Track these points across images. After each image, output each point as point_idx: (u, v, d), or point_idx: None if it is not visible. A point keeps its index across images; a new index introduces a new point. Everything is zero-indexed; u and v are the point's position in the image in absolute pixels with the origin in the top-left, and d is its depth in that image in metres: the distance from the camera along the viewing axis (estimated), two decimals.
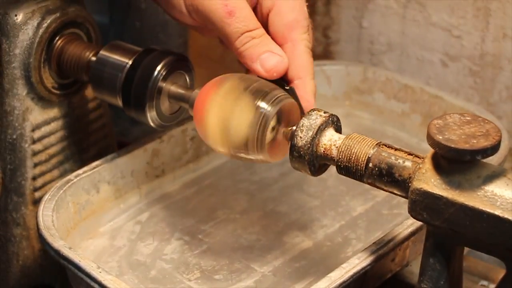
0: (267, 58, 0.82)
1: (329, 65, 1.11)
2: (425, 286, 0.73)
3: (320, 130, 0.78)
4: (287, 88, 0.83)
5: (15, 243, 0.95)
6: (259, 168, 1.02)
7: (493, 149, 0.68)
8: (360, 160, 0.76)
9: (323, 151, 0.78)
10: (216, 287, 0.87)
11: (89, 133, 0.99)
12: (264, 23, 0.85)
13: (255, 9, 0.85)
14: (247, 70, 0.88)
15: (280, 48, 0.83)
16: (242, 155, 0.81)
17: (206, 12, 0.82)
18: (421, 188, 0.70)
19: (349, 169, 0.77)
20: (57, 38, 0.92)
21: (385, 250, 0.80)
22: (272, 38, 0.84)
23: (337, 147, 0.78)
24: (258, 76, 0.83)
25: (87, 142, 0.99)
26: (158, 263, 0.90)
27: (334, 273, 0.77)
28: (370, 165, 0.75)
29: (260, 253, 0.91)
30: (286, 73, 0.83)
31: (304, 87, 0.83)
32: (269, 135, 0.80)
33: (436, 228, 0.71)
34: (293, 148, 0.79)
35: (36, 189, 0.94)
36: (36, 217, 0.85)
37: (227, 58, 1.30)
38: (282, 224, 0.95)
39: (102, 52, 0.90)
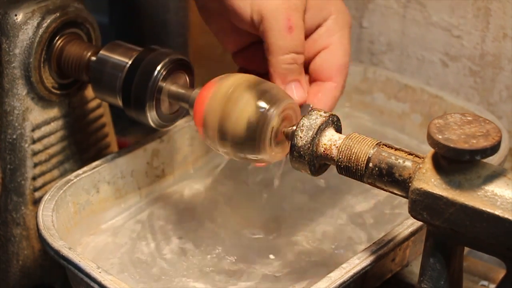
0: (295, 88, 0.84)
1: None
2: (425, 286, 0.73)
3: (320, 130, 0.78)
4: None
5: (15, 243, 0.95)
6: (259, 168, 1.02)
7: (493, 149, 0.68)
8: (360, 160, 0.76)
9: (323, 151, 0.78)
10: (216, 287, 0.87)
11: (89, 133, 0.99)
12: (310, 57, 0.86)
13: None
14: (240, 69, 0.89)
15: (308, 84, 0.85)
16: (242, 155, 0.81)
17: (268, 24, 0.82)
18: (421, 188, 0.70)
19: (349, 169, 0.77)
20: (57, 38, 0.92)
21: (385, 250, 0.80)
22: (318, 73, 0.86)
23: (337, 147, 0.78)
24: (258, 75, 0.83)
25: (87, 142, 0.99)
26: (159, 262, 0.90)
27: (334, 273, 0.77)
28: (370, 165, 0.75)
29: (260, 253, 0.91)
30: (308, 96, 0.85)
31: (330, 94, 0.86)
32: (269, 135, 0.80)
33: (436, 228, 0.71)
34: (293, 148, 0.79)
35: (36, 189, 0.94)
36: (36, 217, 0.85)
37: (227, 58, 1.29)
38: (282, 224, 0.95)
39: (102, 52, 0.90)
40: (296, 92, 0.84)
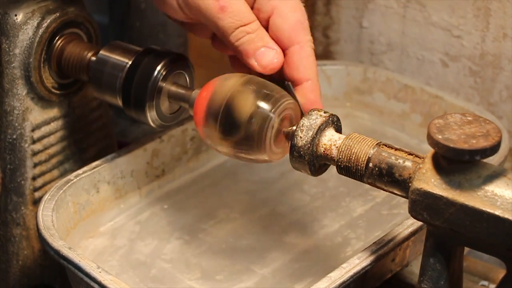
0: (263, 53, 0.81)
1: (329, 65, 1.11)
2: (425, 286, 0.73)
3: (320, 130, 0.78)
4: (285, 83, 0.83)
5: (15, 243, 0.95)
6: (259, 168, 1.02)
7: (493, 149, 0.68)
8: (360, 160, 0.76)
9: (323, 151, 0.78)
10: (216, 287, 0.87)
11: (89, 133, 0.99)
12: (264, 27, 0.84)
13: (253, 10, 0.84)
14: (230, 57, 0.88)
15: (275, 43, 0.82)
16: (242, 155, 0.81)
17: (198, 8, 0.82)
18: (421, 188, 0.70)
19: (349, 169, 0.77)
20: (57, 38, 0.92)
21: (385, 250, 0.80)
22: (277, 42, 0.83)
23: (337, 147, 0.78)
24: (258, 75, 0.83)
25: (87, 142, 0.99)
26: (158, 263, 0.90)
27: (334, 273, 0.77)
28: (370, 165, 0.75)
29: (260, 253, 0.91)
30: (290, 72, 0.83)
31: (314, 89, 0.83)
32: (269, 135, 0.80)
33: (436, 228, 0.71)
34: (293, 148, 0.79)
35: (36, 189, 0.94)
36: (36, 217, 0.85)
37: (227, 58, 1.30)
38: (282, 224, 0.95)
39: (102, 52, 0.90)
40: (263, 58, 0.81)
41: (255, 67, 0.81)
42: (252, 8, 0.83)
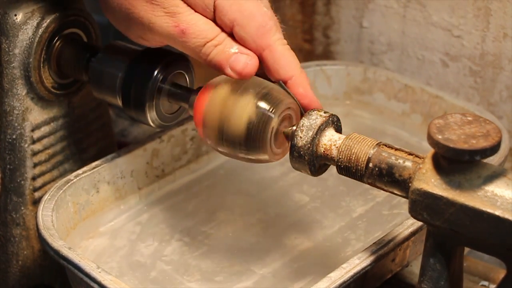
0: (235, 60, 0.81)
1: (329, 65, 1.11)
2: (425, 286, 0.73)
3: (320, 130, 0.78)
4: (278, 83, 0.83)
5: (15, 243, 0.95)
6: (259, 168, 1.02)
7: (493, 149, 0.68)
8: (360, 160, 0.76)
9: (323, 151, 0.78)
10: None
11: (89, 133, 0.99)
12: (232, 38, 0.83)
13: (215, 23, 0.83)
14: None
15: (246, 48, 0.82)
16: (242, 155, 0.81)
17: (160, 35, 0.82)
18: (421, 188, 0.70)
19: (349, 169, 0.77)
20: (56, 38, 0.92)
21: (385, 250, 0.80)
22: (248, 47, 0.83)
23: (337, 147, 0.78)
24: (259, 75, 0.83)
25: (87, 142, 0.99)
26: (158, 264, 0.90)
27: (334, 273, 0.77)
28: (370, 165, 0.75)
29: (260, 254, 0.91)
30: (273, 76, 0.83)
31: (300, 84, 0.83)
32: (269, 135, 0.80)
33: (436, 228, 0.71)
34: (293, 148, 0.79)
35: (35, 189, 0.94)
36: (36, 217, 0.85)
37: None
38: (282, 225, 0.95)
39: (102, 52, 0.90)
40: (237, 64, 0.81)
41: (232, 75, 0.81)
42: (214, 18, 0.83)
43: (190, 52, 0.82)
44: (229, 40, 0.82)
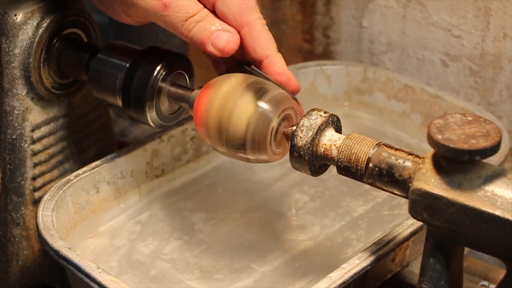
0: (217, 37, 0.82)
1: (329, 65, 1.11)
2: (425, 286, 0.73)
3: (320, 130, 0.78)
4: (248, 68, 0.83)
5: (15, 243, 0.95)
6: (259, 168, 1.02)
7: (492, 150, 0.68)
8: (360, 160, 0.76)
9: (323, 151, 0.78)
10: (216, 287, 0.87)
11: (89, 133, 0.99)
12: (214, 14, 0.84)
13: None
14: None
15: (228, 25, 0.83)
16: (242, 155, 0.81)
17: (142, 10, 0.82)
18: (421, 188, 0.70)
19: (349, 169, 0.77)
20: (56, 38, 0.92)
21: (385, 250, 0.80)
22: (229, 24, 0.84)
23: (337, 147, 0.78)
24: (261, 76, 0.83)
25: (87, 142, 0.99)
26: (158, 263, 0.90)
27: (335, 273, 0.77)
28: (370, 165, 0.75)
29: (260, 253, 0.91)
30: (249, 54, 0.83)
31: (276, 63, 0.84)
32: (269, 135, 0.80)
33: (436, 228, 0.71)
34: (293, 148, 0.79)
35: (35, 189, 0.94)
36: (36, 217, 0.85)
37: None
38: (282, 224, 0.95)
39: (102, 52, 0.90)
40: (219, 41, 0.82)
41: (213, 52, 0.82)
42: None
43: (172, 28, 0.82)
44: (211, 16, 0.83)
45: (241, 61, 0.86)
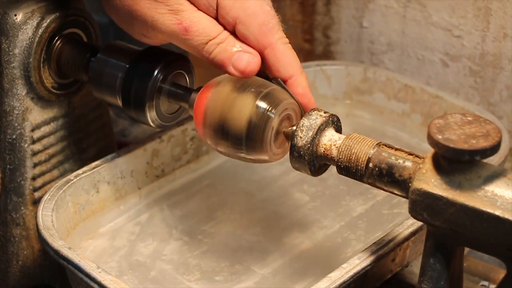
0: (238, 58, 0.81)
1: (329, 65, 1.11)
2: (425, 286, 0.73)
3: (320, 130, 0.78)
4: (274, 81, 0.83)
5: (15, 243, 0.95)
6: (259, 168, 1.02)
7: (493, 150, 0.68)
8: (360, 160, 0.76)
9: (323, 151, 0.78)
10: None
11: (89, 133, 0.99)
12: (234, 36, 0.84)
13: (218, 21, 0.84)
14: None
15: (248, 46, 0.83)
16: (242, 155, 0.81)
17: (163, 34, 0.82)
18: (421, 188, 0.70)
19: (349, 169, 0.77)
20: (56, 38, 0.92)
21: (385, 250, 0.80)
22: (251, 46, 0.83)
23: (337, 147, 0.78)
24: (259, 74, 0.83)
25: (86, 142, 0.99)
26: (158, 264, 0.90)
27: (335, 273, 0.77)
28: (370, 165, 0.75)
29: (260, 254, 0.91)
30: (273, 74, 0.83)
31: (299, 84, 0.83)
32: (269, 135, 0.80)
33: (437, 228, 0.71)
34: (293, 148, 0.79)
35: (35, 189, 0.94)
36: (36, 217, 0.85)
37: None
38: (282, 225, 0.95)
39: (102, 52, 0.90)
40: (240, 62, 0.81)
41: (234, 74, 0.81)
42: (217, 15, 0.83)
43: (193, 50, 0.82)
44: (231, 38, 0.82)
45: (266, 77, 0.85)
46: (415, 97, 1.06)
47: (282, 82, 0.83)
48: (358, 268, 0.78)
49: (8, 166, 0.93)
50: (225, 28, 0.83)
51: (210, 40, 0.81)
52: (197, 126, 0.83)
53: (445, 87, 1.14)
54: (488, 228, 0.68)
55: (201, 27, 0.82)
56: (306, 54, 1.26)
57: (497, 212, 0.67)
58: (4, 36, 0.89)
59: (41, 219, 0.84)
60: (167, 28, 0.82)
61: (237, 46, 0.82)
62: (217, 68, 0.83)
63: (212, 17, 0.83)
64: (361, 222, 0.95)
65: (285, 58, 0.83)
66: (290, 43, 0.84)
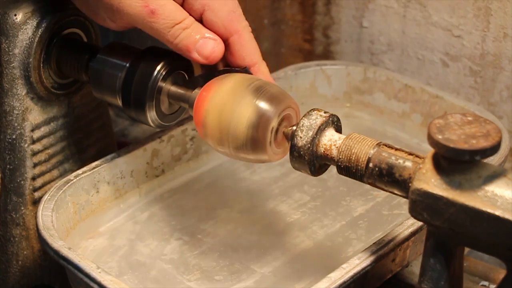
0: (203, 44, 0.83)
1: (329, 65, 1.11)
2: (425, 286, 0.73)
3: (320, 130, 0.78)
4: (242, 70, 0.85)
5: (15, 243, 0.95)
6: (259, 167, 1.02)
7: (493, 149, 0.68)
8: (361, 160, 0.76)
9: (323, 151, 0.78)
10: None
11: (89, 133, 0.99)
12: (199, 20, 0.85)
13: (183, 8, 0.85)
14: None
15: (213, 33, 0.84)
16: (242, 155, 0.81)
17: (128, 15, 0.83)
18: (422, 188, 0.70)
19: (349, 169, 0.77)
20: (56, 38, 0.92)
21: (385, 250, 0.79)
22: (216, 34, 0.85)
23: (337, 147, 0.78)
24: (257, 75, 0.83)
25: (86, 142, 0.99)
26: (158, 263, 0.90)
27: (335, 273, 0.77)
28: (371, 165, 0.75)
29: (260, 253, 0.91)
30: (237, 61, 0.85)
31: (261, 71, 0.86)
32: (269, 135, 0.80)
33: (437, 228, 0.71)
34: (293, 148, 0.79)
35: (35, 189, 0.94)
36: (36, 217, 0.85)
37: None
38: (282, 224, 0.95)
39: (102, 52, 0.90)
40: (204, 48, 0.83)
41: (198, 60, 0.83)
42: (181, 5, 0.85)
43: (157, 34, 0.83)
44: (197, 24, 0.84)
45: (227, 67, 0.87)
46: (415, 97, 1.06)
47: (250, 71, 0.84)
48: (358, 268, 0.78)
49: (8, 166, 0.93)
50: (190, 15, 0.84)
51: (176, 25, 0.82)
52: (197, 126, 0.83)
53: (445, 87, 1.14)
54: (488, 228, 0.68)
55: (167, 10, 0.82)
56: (306, 54, 1.26)
57: (497, 212, 0.67)
58: (4, 36, 0.89)
59: (41, 219, 0.84)
60: (133, 10, 0.82)
61: (202, 31, 0.83)
62: (181, 53, 0.84)
63: (178, 3, 0.84)
64: (361, 222, 0.95)
65: (250, 45, 0.85)
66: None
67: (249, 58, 0.86)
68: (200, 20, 0.85)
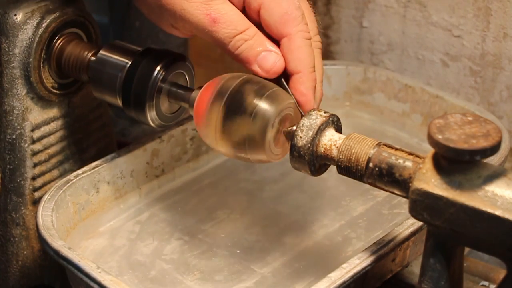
0: (264, 58, 0.81)
1: (329, 65, 1.11)
2: (425, 286, 0.73)
3: (320, 130, 0.78)
4: (280, 81, 0.83)
5: (15, 243, 0.95)
6: (259, 168, 1.02)
7: (493, 149, 0.68)
8: (361, 160, 0.76)
9: (323, 151, 0.78)
10: None
11: (89, 133, 0.99)
12: (257, 24, 0.83)
13: (244, 11, 0.83)
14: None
15: (275, 45, 0.82)
16: (242, 155, 0.81)
17: (190, 24, 0.82)
18: (422, 188, 0.70)
19: (350, 169, 0.77)
20: (56, 38, 0.92)
21: (385, 250, 0.79)
22: (268, 37, 0.83)
23: (337, 147, 0.78)
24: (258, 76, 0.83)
25: (87, 142, 0.99)
26: (158, 263, 0.90)
27: (335, 273, 0.77)
28: (371, 165, 0.75)
29: (260, 253, 0.91)
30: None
31: (304, 82, 0.82)
32: (269, 135, 0.80)
33: (437, 228, 0.71)
34: (293, 148, 0.79)
35: (35, 189, 0.94)
36: (36, 217, 0.85)
37: (227, 58, 1.30)
38: (282, 224, 0.95)
39: (102, 52, 0.90)
40: (265, 62, 0.81)
41: (258, 73, 0.81)
42: (242, 8, 0.83)
43: (219, 43, 0.82)
44: (259, 35, 0.82)
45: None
46: (415, 97, 1.06)
47: (285, 83, 0.82)
48: (358, 268, 0.78)
49: (8, 166, 0.93)
50: (251, 17, 0.82)
51: (237, 35, 0.81)
52: (197, 126, 0.83)
53: (445, 87, 1.14)
54: (488, 228, 0.68)
55: (229, 19, 0.81)
56: None
57: (497, 212, 0.67)
58: (4, 36, 0.89)
59: (41, 219, 0.84)
60: (195, 18, 0.81)
61: (264, 44, 0.81)
62: (240, 63, 0.83)
63: (240, 8, 0.82)
64: (361, 221, 0.95)
65: (298, 52, 0.82)
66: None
67: (294, 65, 0.82)
68: (258, 19, 0.83)
